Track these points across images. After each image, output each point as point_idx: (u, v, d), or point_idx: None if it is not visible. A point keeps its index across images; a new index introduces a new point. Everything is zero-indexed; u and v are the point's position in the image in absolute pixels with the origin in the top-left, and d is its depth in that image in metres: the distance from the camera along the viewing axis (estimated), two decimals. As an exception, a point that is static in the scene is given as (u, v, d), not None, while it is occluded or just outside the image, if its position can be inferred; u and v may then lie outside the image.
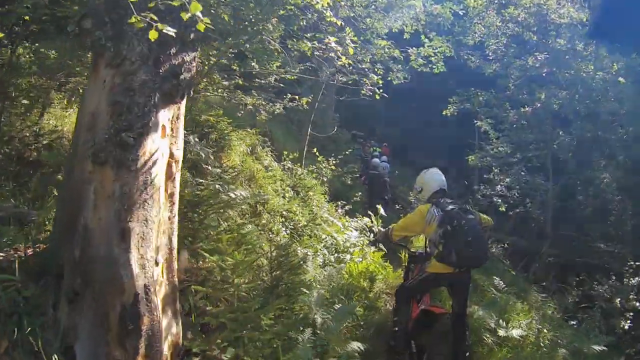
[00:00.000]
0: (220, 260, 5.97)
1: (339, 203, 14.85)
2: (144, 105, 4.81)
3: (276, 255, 7.29)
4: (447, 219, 6.70)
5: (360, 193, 18.42)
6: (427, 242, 7.11)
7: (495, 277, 11.93)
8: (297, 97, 15.26)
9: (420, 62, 15.80)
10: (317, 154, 16.73)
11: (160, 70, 4.95)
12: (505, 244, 20.08)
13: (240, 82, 12.81)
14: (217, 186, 7.97)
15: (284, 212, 11.39)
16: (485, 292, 10.78)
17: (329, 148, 20.88)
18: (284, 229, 10.67)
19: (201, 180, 8.08)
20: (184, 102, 5.46)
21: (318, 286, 7.84)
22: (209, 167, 9.86)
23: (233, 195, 8.05)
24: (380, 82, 12.95)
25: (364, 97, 13.45)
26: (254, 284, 6.65)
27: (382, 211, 13.97)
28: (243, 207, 9.89)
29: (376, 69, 14.03)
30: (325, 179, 16.52)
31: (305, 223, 11.29)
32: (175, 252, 5.29)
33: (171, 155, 5.26)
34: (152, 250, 4.84)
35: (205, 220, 7.42)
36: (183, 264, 6.31)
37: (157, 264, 4.91)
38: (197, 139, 10.29)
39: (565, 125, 22.30)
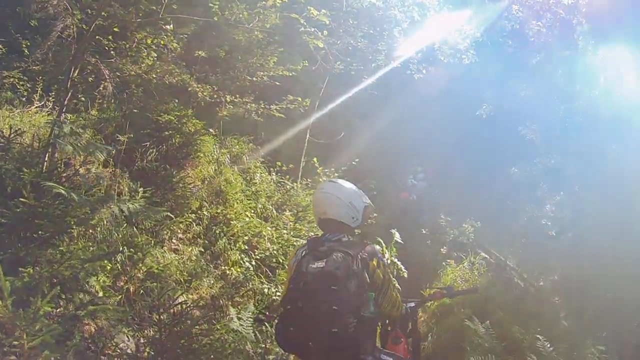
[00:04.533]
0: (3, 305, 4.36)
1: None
2: None
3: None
4: (297, 268, 4.37)
5: (375, 214, 16.05)
6: None
7: (539, 333, 9.53)
8: (299, 98, 14.26)
9: (447, 51, 13.38)
10: (316, 164, 14.25)
11: None
12: (555, 276, 17.38)
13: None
14: (62, 192, 6.11)
15: (250, 238, 9.70)
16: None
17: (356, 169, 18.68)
18: (246, 259, 9.10)
19: (50, 183, 6.22)
20: None
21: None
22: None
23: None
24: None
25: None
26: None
27: (397, 236, 11.65)
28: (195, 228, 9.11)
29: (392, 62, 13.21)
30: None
31: (275, 253, 9.59)
32: None
33: None
34: None
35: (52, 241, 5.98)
36: None
37: None
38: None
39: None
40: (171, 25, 10.59)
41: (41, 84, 10.53)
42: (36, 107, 10.20)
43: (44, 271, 5.10)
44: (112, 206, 6.67)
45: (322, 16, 9.21)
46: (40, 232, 5.93)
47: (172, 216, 8.87)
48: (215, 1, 9.48)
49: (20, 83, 10.57)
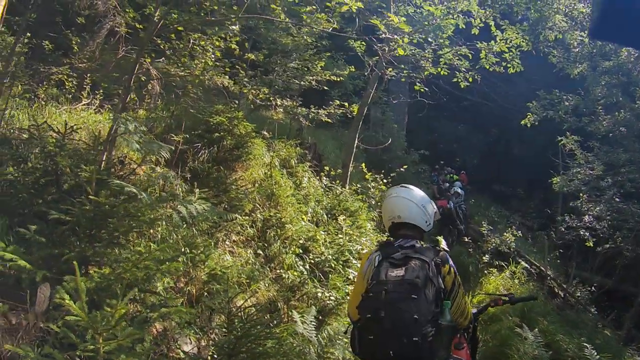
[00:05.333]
0: (77, 307, 4.07)
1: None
2: None
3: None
4: (374, 275, 4.22)
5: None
6: None
7: (585, 342, 9.50)
8: (345, 104, 14.33)
9: (492, 59, 13.13)
10: (364, 170, 14.10)
11: None
12: (592, 287, 16.99)
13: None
14: (134, 190, 5.93)
15: (304, 242, 9.54)
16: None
17: (392, 168, 18.37)
18: (301, 263, 8.94)
19: (117, 181, 6.07)
20: None
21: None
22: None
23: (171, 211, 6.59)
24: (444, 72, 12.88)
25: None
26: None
27: (443, 244, 11.45)
28: (249, 230, 9.19)
29: (439, 70, 13.20)
30: (374, 202, 13.86)
31: (330, 257, 9.33)
32: None
33: None
34: None
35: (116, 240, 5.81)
36: (41, 305, 4.88)
37: None
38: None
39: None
40: (237, 26, 10.39)
41: (89, 82, 10.37)
42: (83, 105, 10.11)
43: (118, 271, 4.93)
44: (178, 206, 6.53)
45: (402, 24, 8.94)
46: (103, 231, 5.75)
47: (239, 217, 8.84)
48: (277, 2, 9.33)
49: (69, 80, 10.41)
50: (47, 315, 4.85)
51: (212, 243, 7.92)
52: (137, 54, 8.06)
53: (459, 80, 14.04)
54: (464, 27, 13.90)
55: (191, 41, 10.05)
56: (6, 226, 5.74)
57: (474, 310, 5.15)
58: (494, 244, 16.63)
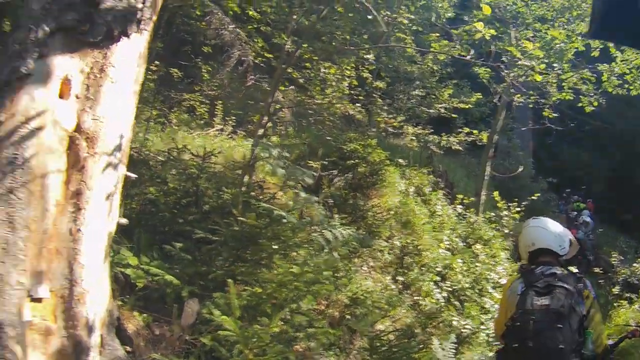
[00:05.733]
0: (232, 323, 4.28)
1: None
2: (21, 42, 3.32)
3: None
4: (519, 304, 4.18)
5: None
6: None
7: None
8: (475, 131, 14.33)
9: (615, 82, 13.15)
10: (496, 198, 13.98)
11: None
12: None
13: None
14: (282, 214, 6.08)
15: (441, 269, 9.49)
16: None
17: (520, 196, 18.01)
18: (437, 290, 8.80)
19: (265, 205, 6.25)
20: (123, 49, 3.85)
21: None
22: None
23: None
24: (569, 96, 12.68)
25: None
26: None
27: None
28: (386, 256, 9.15)
29: (564, 95, 13.14)
30: (507, 231, 13.43)
31: (467, 286, 9.29)
32: (82, 287, 3.56)
33: (79, 129, 3.57)
34: (19, 272, 3.17)
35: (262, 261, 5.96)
36: (188, 319, 5.10)
37: (30, 296, 3.25)
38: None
39: None
40: (371, 55, 10.35)
41: (221, 108, 10.66)
42: (215, 130, 10.36)
43: (269, 291, 5.08)
44: (323, 231, 6.69)
45: (536, 50, 8.78)
46: (247, 252, 5.89)
47: (381, 243, 8.93)
48: (409, 35, 9.25)
49: (200, 106, 10.78)
50: (192, 329, 5.01)
51: (352, 268, 7.90)
52: (274, 83, 8.18)
53: (584, 104, 13.60)
54: (584, 49, 13.52)
55: (322, 70, 10.07)
56: (148, 243, 5.92)
57: (610, 342, 4.86)
58: (624, 275, 15.90)
